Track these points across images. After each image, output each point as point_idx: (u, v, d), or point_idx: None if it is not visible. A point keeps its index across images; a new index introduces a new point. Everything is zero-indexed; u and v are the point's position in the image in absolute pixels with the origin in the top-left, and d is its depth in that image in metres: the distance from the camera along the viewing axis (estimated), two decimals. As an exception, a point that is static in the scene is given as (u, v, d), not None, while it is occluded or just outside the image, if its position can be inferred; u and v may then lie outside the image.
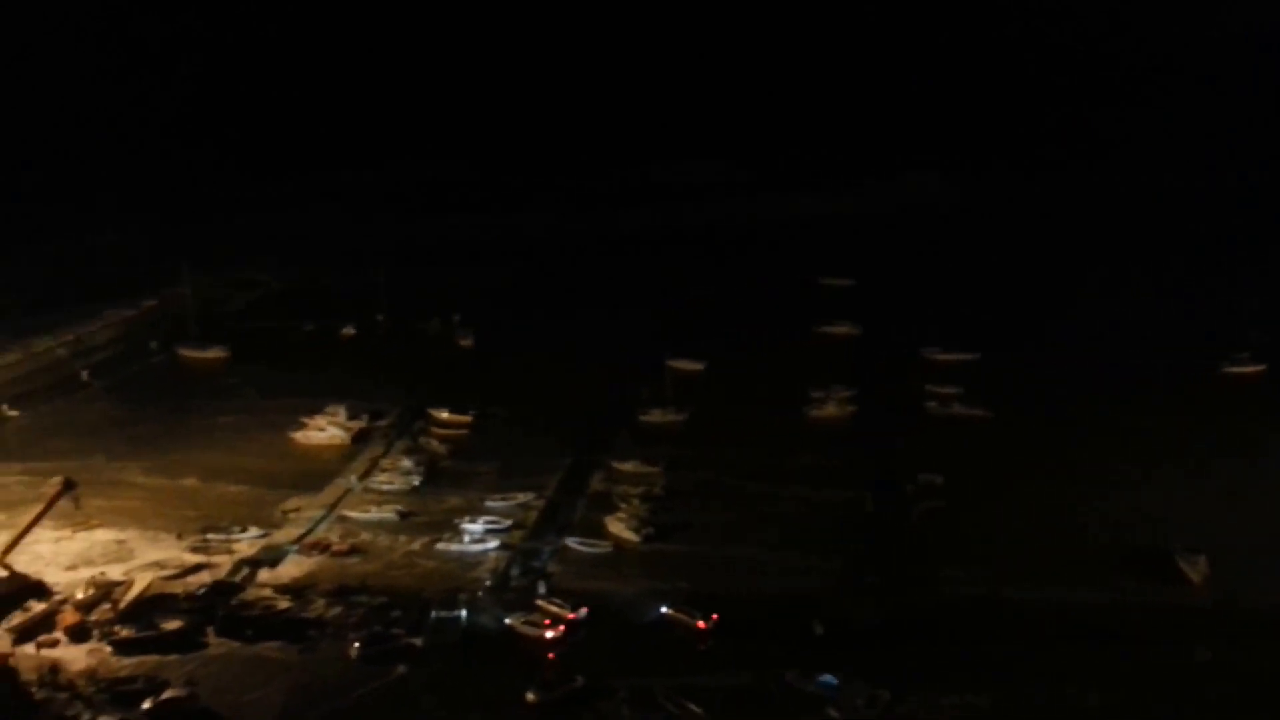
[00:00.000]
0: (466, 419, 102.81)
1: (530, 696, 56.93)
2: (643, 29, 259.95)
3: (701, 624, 64.01)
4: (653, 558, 74.70)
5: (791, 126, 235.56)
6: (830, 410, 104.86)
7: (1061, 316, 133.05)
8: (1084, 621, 64.19)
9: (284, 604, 67.47)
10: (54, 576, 71.45)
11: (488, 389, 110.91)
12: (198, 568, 72.86)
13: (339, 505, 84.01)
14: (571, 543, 76.66)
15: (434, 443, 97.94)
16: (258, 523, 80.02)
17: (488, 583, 70.45)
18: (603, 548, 76.18)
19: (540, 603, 66.65)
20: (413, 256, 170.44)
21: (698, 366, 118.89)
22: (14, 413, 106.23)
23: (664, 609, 65.81)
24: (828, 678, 57.72)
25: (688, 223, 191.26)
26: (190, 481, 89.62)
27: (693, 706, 55.80)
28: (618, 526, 78.66)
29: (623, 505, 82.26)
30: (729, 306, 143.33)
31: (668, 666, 59.75)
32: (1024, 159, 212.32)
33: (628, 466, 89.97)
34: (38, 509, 73.54)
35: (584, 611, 65.53)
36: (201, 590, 69.00)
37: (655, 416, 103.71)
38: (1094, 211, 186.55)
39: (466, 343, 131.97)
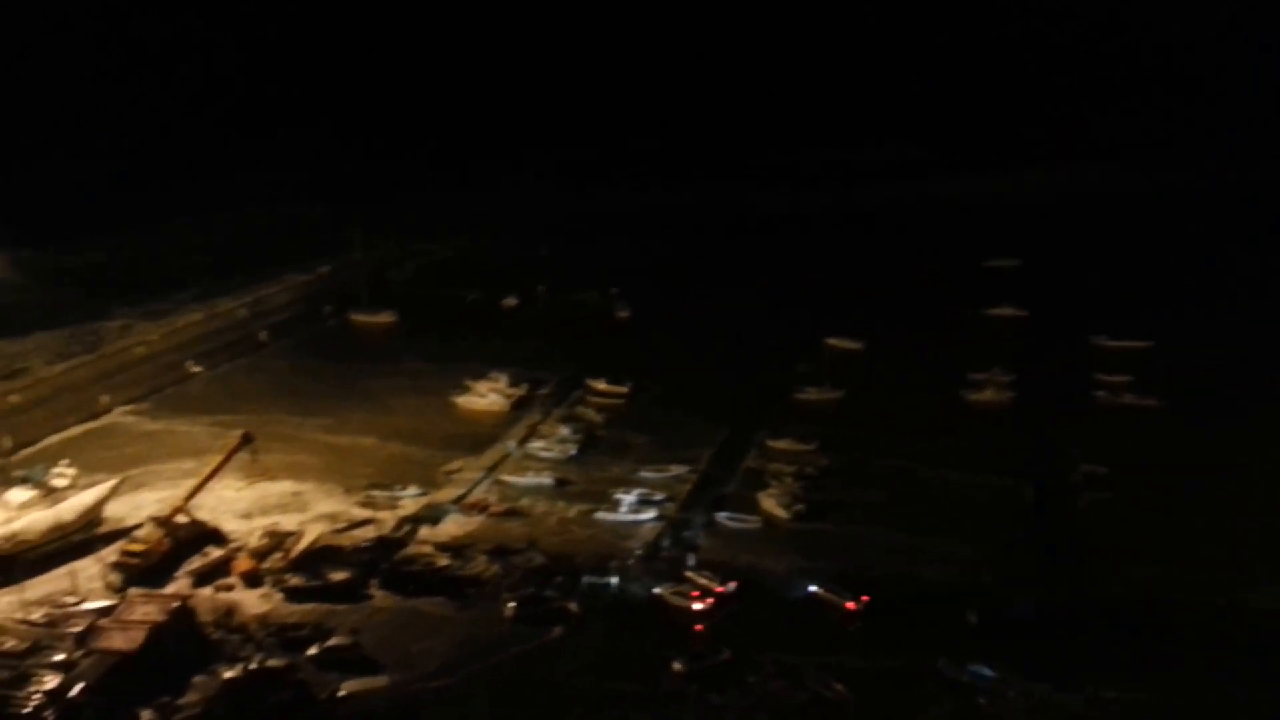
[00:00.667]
0: (623, 390, 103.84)
1: (677, 666, 57.33)
2: (821, 7, 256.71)
3: (851, 605, 63.17)
4: (803, 536, 74.00)
5: (968, 107, 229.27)
6: (989, 394, 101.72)
7: (1236, 307, 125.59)
8: (1256, 624, 60.73)
9: (443, 561, 69.58)
10: (231, 525, 75.42)
11: (644, 361, 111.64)
12: (364, 523, 75.73)
13: (498, 469, 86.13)
14: (722, 517, 76.60)
15: (591, 412, 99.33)
16: (420, 482, 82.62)
17: (638, 552, 71.12)
18: (753, 523, 75.90)
19: (689, 575, 66.93)
20: (577, 230, 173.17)
21: (856, 346, 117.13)
22: (198, 369, 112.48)
23: (813, 588, 65.21)
24: (981, 668, 56.28)
25: (856, 202, 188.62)
26: (360, 440, 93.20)
27: (839, 687, 55.26)
28: (769, 503, 78.22)
29: (775, 482, 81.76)
30: (892, 286, 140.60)
31: (815, 645, 59.27)
32: (1201, 147, 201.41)
33: (782, 444, 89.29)
34: (219, 460, 77.68)
35: (733, 586, 65.49)
36: (367, 545, 71.73)
37: (811, 394, 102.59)
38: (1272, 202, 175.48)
39: (624, 315, 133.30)
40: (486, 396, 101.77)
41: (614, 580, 66.42)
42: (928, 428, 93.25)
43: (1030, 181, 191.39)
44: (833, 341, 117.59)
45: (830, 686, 55.32)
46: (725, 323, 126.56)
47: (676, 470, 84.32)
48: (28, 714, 53.35)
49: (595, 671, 57.30)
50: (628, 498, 78.63)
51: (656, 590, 65.51)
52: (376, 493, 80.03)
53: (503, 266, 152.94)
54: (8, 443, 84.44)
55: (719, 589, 65.01)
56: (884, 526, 75.04)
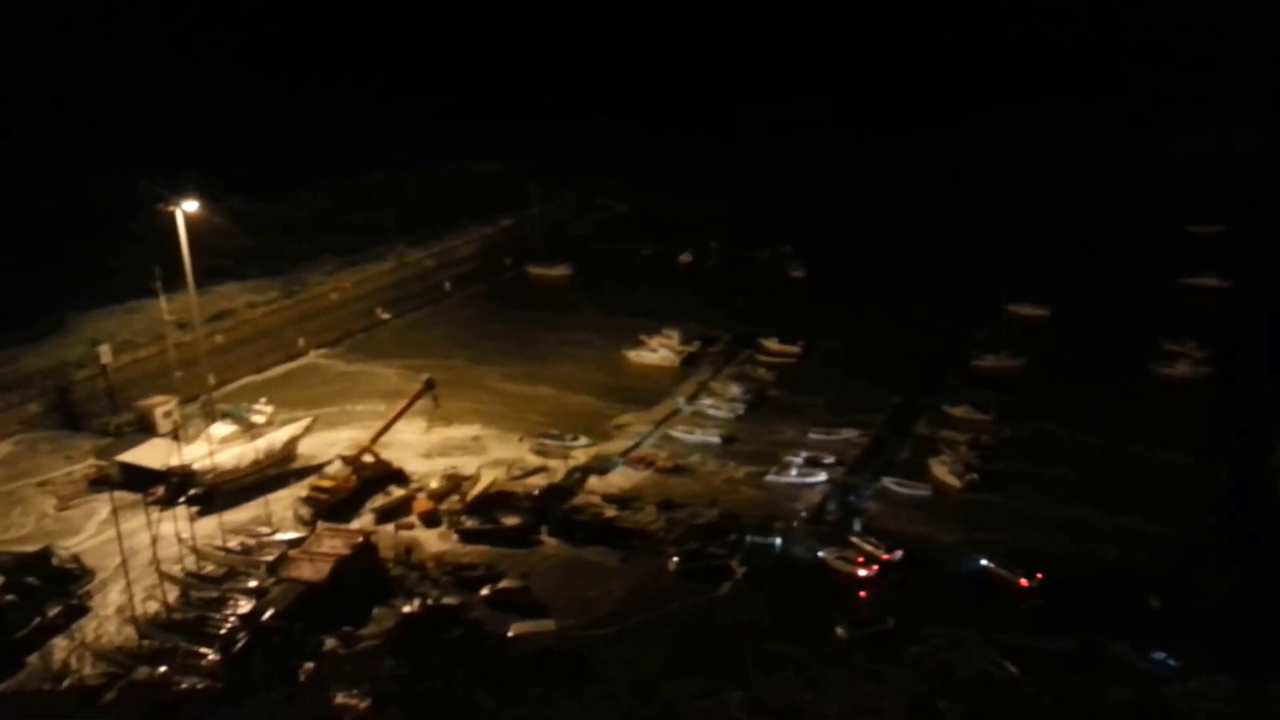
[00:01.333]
0: (795, 350, 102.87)
1: (839, 632, 56.89)
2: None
3: (1024, 582, 61.16)
4: (975, 507, 71.86)
5: (1176, 60, 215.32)
6: (1183, 369, 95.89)
7: None
8: None
9: (610, 512, 70.81)
10: (413, 466, 78.64)
11: (818, 322, 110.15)
12: (536, 470, 77.70)
13: (666, 424, 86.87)
14: (891, 483, 75.21)
15: (762, 371, 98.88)
16: (591, 433, 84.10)
17: (804, 514, 70.66)
18: (923, 491, 74.28)
19: (855, 540, 66.14)
20: (752, 187, 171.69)
21: (1041, 312, 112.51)
22: (387, 316, 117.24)
23: (984, 561, 63.40)
24: (1162, 656, 53.75)
25: (1048, 161, 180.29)
26: (534, 389, 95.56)
27: (1009, 666, 53.78)
28: (941, 470, 76.31)
29: (948, 450, 79.68)
30: (1083, 250, 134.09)
31: (983, 621, 57.67)
32: None
33: (958, 411, 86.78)
34: (403, 404, 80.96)
35: (899, 554, 64.38)
36: (538, 492, 73.61)
37: (991, 362, 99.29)
38: None
39: (798, 274, 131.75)
40: (658, 352, 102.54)
41: (778, 541, 66.20)
42: (1114, 401, 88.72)
43: (1241, 140, 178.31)
44: (1015, 307, 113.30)
45: (1000, 664, 53.91)
46: (902, 284, 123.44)
47: (847, 434, 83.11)
48: (224, 633, 57.18)
49: (757, 631, 57.40)
50: (796, 460, 78.05)
51: (820, 554, 65.03)
52: (549, 441, 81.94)
53: (677, 223, 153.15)
54: (212, 380, 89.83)
55: (884, 556, 64.03)
56: (1062, 502, 71.91)
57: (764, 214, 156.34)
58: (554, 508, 71.32)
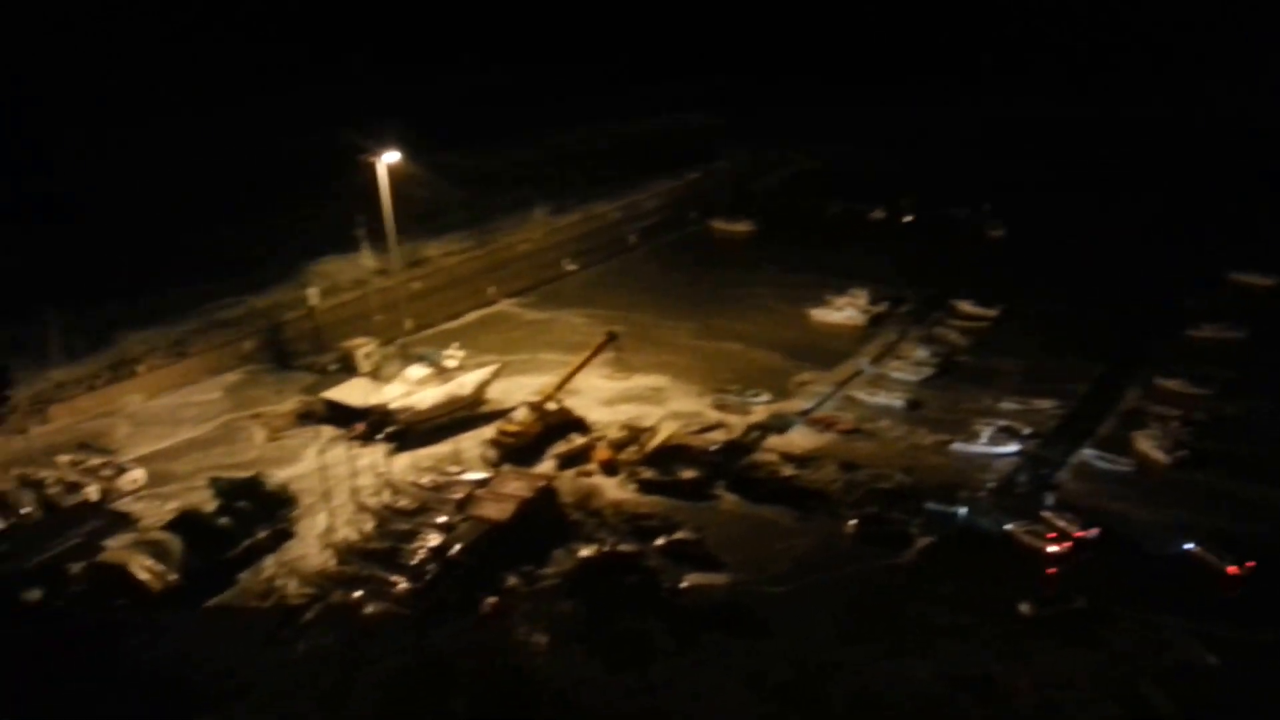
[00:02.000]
0: (991, 313, 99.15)
1: (1024, 609, 54.91)
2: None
3: (1233, 569, 57.46)
4: (1183, 486, 67.73)
5: None
6: None
7: None
8: None
9: (788, 471, 70.28)
10: (595, 415, 79.90)
11: (1016, 284, 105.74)
12: (715, 426, 77.74)
13: (848, 385, 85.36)
14: (1090, 456, 71.70)
15: (953, 335, 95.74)
16: (772, 390, 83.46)
17: (992, 485, 68.32)
18: (1126, 466, 70.53)
19: (1046, 515, 63.54)
20: (950, 143, 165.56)
21: (1267, 281, 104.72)
22: (573, 267, 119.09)
23: (1189, 545, 59.87)
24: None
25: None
26: (716, 344, 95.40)
27: (1210, 657, 50.78)
28: (1147, 444, 72.21)
29: (1156, 424, 75.22)
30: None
31: (1183, 608, 54.56)
32: None
33: (1172, 384, 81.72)
34: (587, 354, 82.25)
35: (1094, 531, 61.49)
36: (716, 447, 73.62)
37: (1209, 332, 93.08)
38: None
39: (996, 234, 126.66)
40: (843, 311, 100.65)
41: (962, 510, 64.25)
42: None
43: None
44: (1238, 276, 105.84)
45: (1200, 655, 50.92)
46: (1111, 246, 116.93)
47: (1044, 404, 79.65)
48: (415, 563, 59.85)
49: (934, 601, 56.03)
50: (987, 428, 75.37)
51: (1008, 527, 62.78)
52: (729, 397, 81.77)
53: (870, 179, 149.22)
54: (410, 324, 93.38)
55: (1078, 533, 61.29)
56: None
57: (963, 171, 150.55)
58: (731, 463, 71.27)
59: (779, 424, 77.83)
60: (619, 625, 54.80)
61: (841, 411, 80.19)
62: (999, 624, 54.05)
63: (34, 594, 57.01)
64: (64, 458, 72.48)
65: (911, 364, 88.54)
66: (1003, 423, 76.08)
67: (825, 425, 77.59)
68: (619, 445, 74.27)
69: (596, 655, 52.58)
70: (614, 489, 69.67)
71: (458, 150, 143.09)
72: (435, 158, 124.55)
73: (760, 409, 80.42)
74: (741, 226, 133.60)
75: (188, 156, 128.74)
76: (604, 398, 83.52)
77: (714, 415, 79.62)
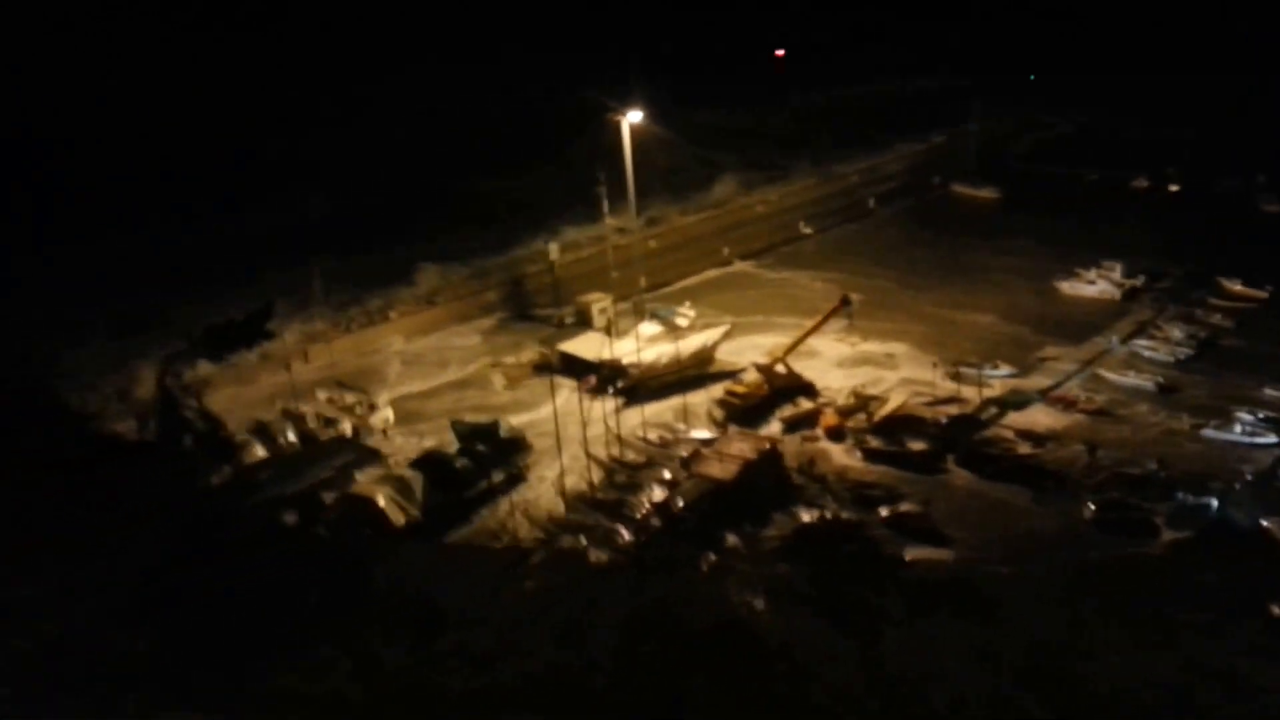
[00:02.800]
0: (1262, 295, 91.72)
1: (1276, 611, 51.11)
2: None
3: None
4: None
5: None
6: None
7: None
8: None
9: (1023, 449, 67.71)
10: (823, 380, 79.32)
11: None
12: (950, 399, 75.66)
13: (1095, 363, 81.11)
14: (1366, 453, 65.62)
15: (1216, 316, 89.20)
16: (1012, 364, 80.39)
17: (1249, 477, 63.58)
18: None
19: (1313, 511, 58.69)
20: (1222, 109, 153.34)
21: None
22: (809, 230, 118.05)
23: None
24: None
25: None
26: (954, 313, 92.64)
27: None
28: None
29: None
30: None
31: None
32: None
33: None
34: (819, 318, 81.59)
35: (1365, 534, 56.38)
36: (948, 419, 71.75)
37: None
38: None
39: (1272, 208, 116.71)
40: (1095, 284, 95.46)
41: (1213, 502, 60.15)
42: None
43: None
44: None
45: None
46: None
47: (1314, 393, 73.42)
48: (639, 516, 61.52)
49: (1178, 595, 52.83)
50: (1247, 416, 70.07)
51: (1264, 522, 58.34)
52: (965, 369, 79.30)
53: (1131, 146, 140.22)
54: (644, 282, 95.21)
55: (1347, 534, 56.35)
56: None
57: (1235, 140, 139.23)
58: (963, 437, 69.25)
59: (1017, 400, 74.90)
60: (843, 591, 54.51)
61: (1087, 390, 76.39)
62: (1248, 623, 50.51)
63: (291, 518, 61.99)
64: (322, 394, 78.41)
65: (1167, 344, 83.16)
66: (1264, 413, 70.49)
67: (1067, 404, 74.10)
68: (847, 412, 73.51)
69: (821, 617, 52.52)
70: (839, 456, 69.10)
71: (705, 109, 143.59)
72: (682, 116, 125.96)
73: (998, 383, 77.61)
74: (986, 193, 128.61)
75: (442, 110, 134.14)
76: (835, 363, 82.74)
77: (948, 387, 77.43)
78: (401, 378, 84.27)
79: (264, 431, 72.07)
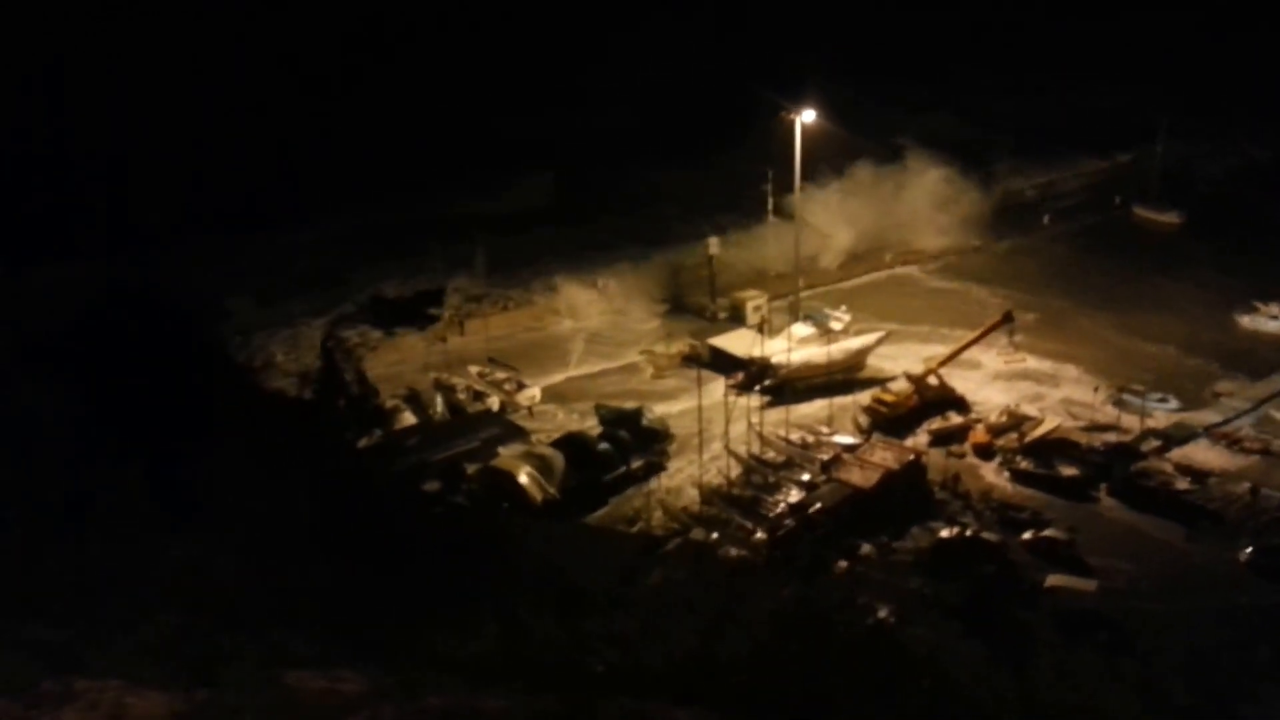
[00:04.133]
0: None
1: None
2: None
3: None
4: None
5: None
6: None
7: None
8: None
9: (1181, 484, 64.66)
10: (977, 396, 77.36)
11: None
12: (1109, 427, 72.80)
13: (1269, 402, 76.54)
14: None
15: None
16: (1179, 396, 76.74)
17: None
18: None
19: None
20: None
21: None
22: (977, 243, 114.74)
23: None
24: None
25: None
26: (1122, 339, 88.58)
27: None
28: None
29: None
30: None
31: None
32: None
33: None
34: (978, 332, 79.69)
35: None
36: (1104, 447, 69.08)
37: None
38: None
39: None
40: (1277, 320, 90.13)
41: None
42: None
43: None
44: None
45: None
46: None
47: None
48: (774, 516, 61.44)
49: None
50: None
51: None
52: (1128, 397, 76.09)
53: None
54: (802, 282, 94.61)
55: None
56: None
57: None
58: (1118, 467, 66.59)
59: (1180, 434, 71.52)
60: (991, 609, 53.07)
61: (1258, 430, 72.33)
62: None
63: (434, 485, 64.23)
64: (474, 368, 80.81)
65: (1355, 388, 77.99)
66: None
67: (1233, 442, 70.34)
68: (998, 430, 71.64)
69: (972, 635, 51.27)
70: (986, 474, 67.49)
71: (883, 107, 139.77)
72: (859, 114, 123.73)
73: (1162, 415, 74.29)
74: (1169, 217, 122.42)
75: (626, 103, 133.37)
76: (992, 378, 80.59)
77: (1108, 413, 74.49)
78: (550, 357, 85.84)
79: (415, 400, 74.82)
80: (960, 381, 78.23)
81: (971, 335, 79.75)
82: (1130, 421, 72.84)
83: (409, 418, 72.30)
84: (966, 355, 79.29)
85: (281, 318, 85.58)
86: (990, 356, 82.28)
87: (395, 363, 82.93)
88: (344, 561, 28.85)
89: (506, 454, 67.25)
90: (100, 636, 17.03)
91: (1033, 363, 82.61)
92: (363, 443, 65.40)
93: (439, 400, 75.35)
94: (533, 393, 77.63)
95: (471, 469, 65.97)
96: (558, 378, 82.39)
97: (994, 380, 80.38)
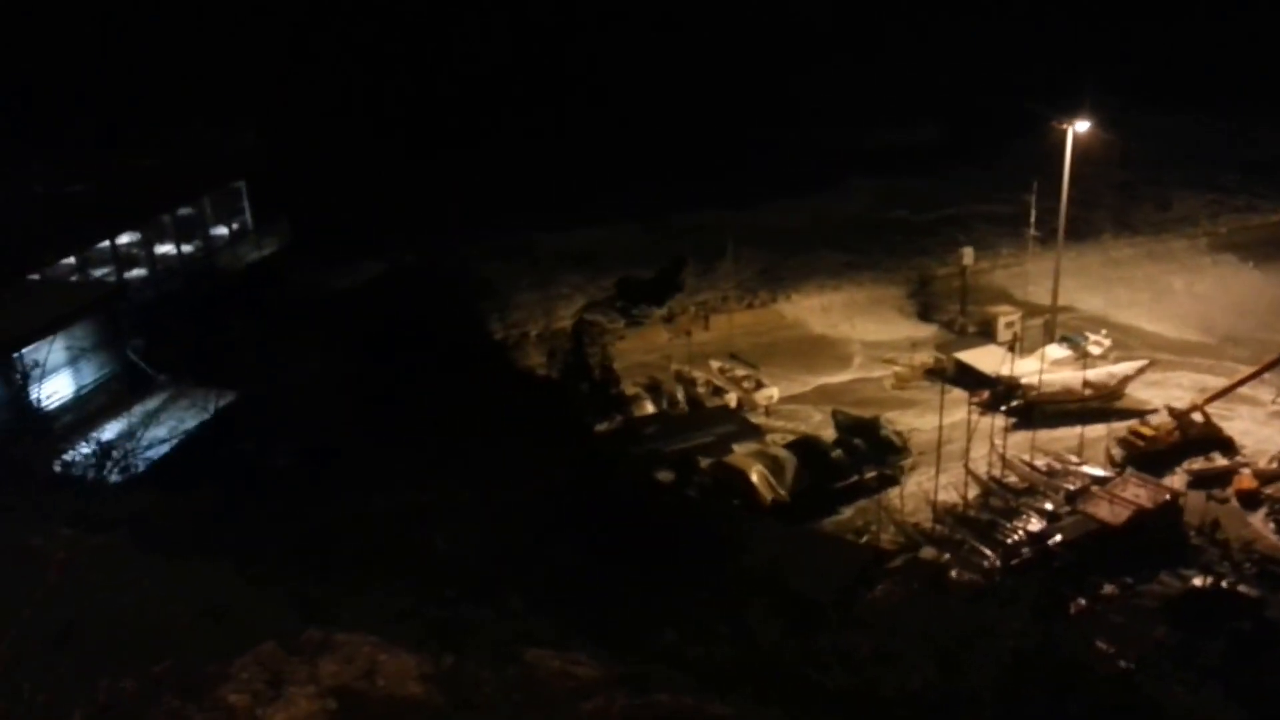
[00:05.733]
0: None
1: None
2: None
3: None
4: None
5: None
6: None
7: None
8: None
9: None
10: (1248, 437, 71.67)
11: None
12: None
13: None
14: None
15: None
16: None
17: None
18: None
19: None
20: None
21: None
22: (1256, 269, 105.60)
23: None
24: None
25: None
26: None
27: None
28: None
29: None
30: None
31: None
32: None
33: None
34: (1255, 368, 73.92)
35: None
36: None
37: None
38: None
39: None
40: None
41: None
42: None
43: None
44: None
45: None
46: None
47: None
48: (1010, 542, 59.19)
49: None
50: None
51: None
52: None
53: None
54: (1060, 301, 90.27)
55: None
56: None
57: None
58: None
59: None
60: (1254, 670, 49.38)
61: None
62: None
63: (667, 475, 65.48)
64: (715, 363, 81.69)
65: None
66: None
67: None
68: (1268, 477, 66.26)
69: (1232, 697, 47.95)
70: (1249, 523, 62.60)
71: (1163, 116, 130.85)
72: (1142, 124, 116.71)
73: None
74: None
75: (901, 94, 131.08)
76: (1263, 422, 74.45)
77: (1397, 470, 67.58)
78: (797, 358, 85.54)
79: (656, 389, 76.48)
80: (1229, 422, 72.74)
81: (1250, 369, 74.02)
82: None
83: (648, 407, 73.94)
84: (1241, 391, 73.61)
85: (539, 296, 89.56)
86: (1266, 395, 75.94)
87: (638, 350, 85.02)
88: (582, 545, 30.03)
89: (740, 451, 67.74)
90: (354, 593, 18.45)
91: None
92: (602, 427, 67.58)
93: (679, 392, 76.67)
94: (770, 392, 77.78)
95: (705, 463, 66.78)
96: (799, 381, 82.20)
97: (1270, 421, 74.23)
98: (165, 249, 67.35)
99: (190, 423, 45.30)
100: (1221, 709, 45.73)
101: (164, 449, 39.05)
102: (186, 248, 68.84)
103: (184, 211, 68.76)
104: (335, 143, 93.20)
